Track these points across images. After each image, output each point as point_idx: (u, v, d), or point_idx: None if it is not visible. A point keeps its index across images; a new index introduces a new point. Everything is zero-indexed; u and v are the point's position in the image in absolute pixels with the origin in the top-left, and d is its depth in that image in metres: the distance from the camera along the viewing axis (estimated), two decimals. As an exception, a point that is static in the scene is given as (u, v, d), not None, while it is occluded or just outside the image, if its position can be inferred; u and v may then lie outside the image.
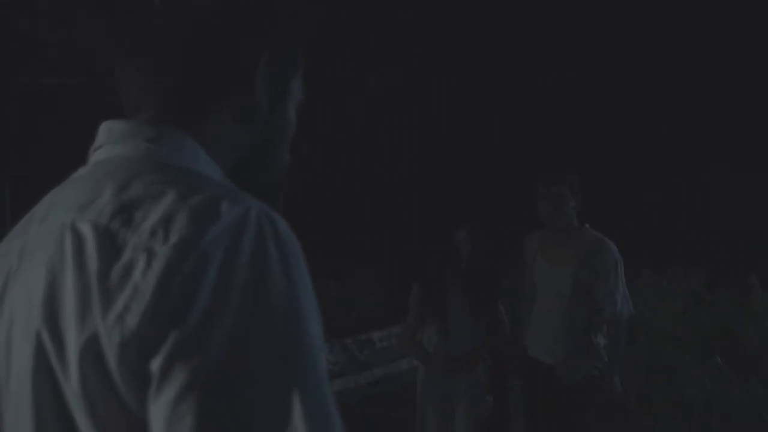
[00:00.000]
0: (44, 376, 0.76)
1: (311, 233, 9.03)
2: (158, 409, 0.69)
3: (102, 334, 0.72)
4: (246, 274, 0.72)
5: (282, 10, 0.98)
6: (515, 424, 4.79)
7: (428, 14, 9.59)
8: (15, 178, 7.24)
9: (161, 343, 0.70)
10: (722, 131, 9.42)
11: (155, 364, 0.70)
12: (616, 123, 9.78)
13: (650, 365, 6.31)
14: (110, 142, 0.90)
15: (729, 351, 6.60)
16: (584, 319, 3.82)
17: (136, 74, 0.92)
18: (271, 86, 0.96)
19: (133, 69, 0.92)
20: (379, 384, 5.68)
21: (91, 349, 0.72)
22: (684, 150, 9.55)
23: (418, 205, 9.76)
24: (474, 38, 9.83)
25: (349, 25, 9.18)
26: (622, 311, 3.86)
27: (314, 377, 0.72)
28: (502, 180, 9.64)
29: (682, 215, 9.79)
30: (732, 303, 7.57)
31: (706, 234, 9.24)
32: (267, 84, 0.95)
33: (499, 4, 9.71)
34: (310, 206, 9.14)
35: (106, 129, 0.91)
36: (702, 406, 5.61)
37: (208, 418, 0.68)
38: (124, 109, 0.94)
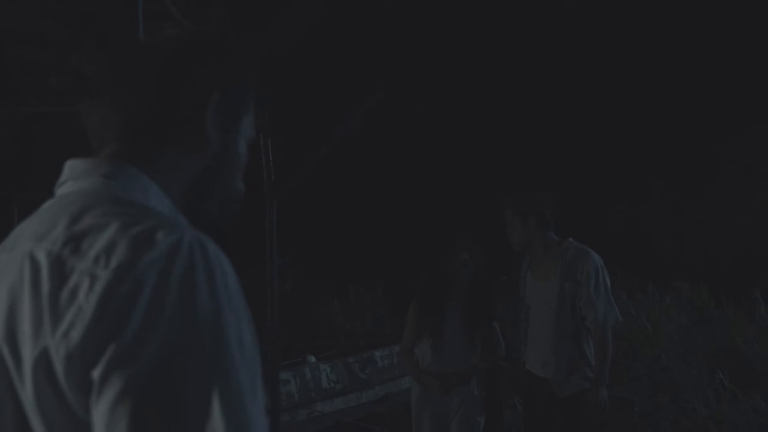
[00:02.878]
0: (5, 387, 0.86)
1: (317, 252, 9.07)
2: (99, 414, 0.78)
3: (51, 348, 0.82)
4: (176, 295, 0.81)
5: (233, 53, 1.09)
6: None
7: (423, 24, 9.66)
8: (22, 201, 7.35)
9: (101, 355, 0.79)
10: (722, 142, 9.42)
11: (96, 374, 0.79)
12: (617, 136, 9.79)
13: (655, 381, 6.30)
14: (72, 178, 1.01)
15: (733, 367, 6.59)
16: (572, 331, 3.85)
17: (99, 114, 1.03)
18: (222, 123, 1.06)
19: (96, 109, 1.03)
20: (380, 402, 5.71)
21: (43, 362, 0.82)
22: (685, 162, 9.55)
23: (421, 221, 9.79)
24: (472, 47, 9.87)
25: (345, 34, 9.28)
26: (605, 318, 3.83)
27: (236, 390, 0.81)
28: (501, 191, 9.66)
29: (685, 230, 9.77)
30: (736, 319, 7.56)
31: (710, 249, 9.22)
32: (218, 121, 1.05)
33: (496, 14, 9.77)
34: (314, 227, 9.18)
35: (69, 166, 1.02)
36: (705, 421, 5.60)
37: (140, 421, 0.77)
38: (92, 147, 1.05)
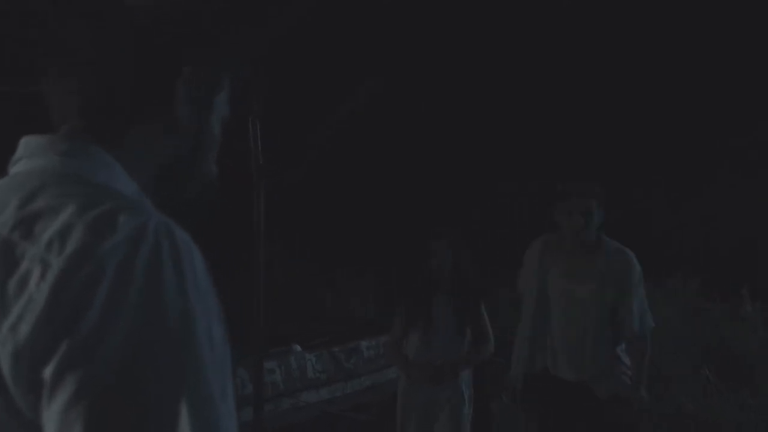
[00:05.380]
0: None
1: (305, 241, 9.02)
2: (50, 417, 0.71)
3: None
4: (140, 285, 0.74)
5: (205, 27, 1.00)
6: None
7: (414, 21, 9.60)
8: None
9: (53, 352, 0.71)
10: (716, 138, 9.42)
11: (47, 373, 0.71)
12: (609, 129, 9.77)
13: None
14: (26, 155, 0.91)
15: (721, 362, 6.60)
16: (610, 335, 3.67)
17: (62, 89, 0.93)
18: (192, 100, 0.97)
19: (58, 84, 0.94)
20: (366, 392, 5.69)
21: None
22: (678, 158, 9.54)
23: (408, 211, 9.75)
24: (456, 43, 9.82)
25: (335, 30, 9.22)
26: (647, 325, 3.71)
27: (205, 389, 0.74)
28: (492, 184, 9.67)
29: (676, 224, 9.78)
30: (725, 314, 7.59)
31: (701, 244, 9.24)
32: (188, 98, 0.96)
33: (497, 7, 9.71)
34: (305, 214, 9.13)
35: (24, 143, 0.93)
36: (693, 416, 5.61)
37: (95, 427, 0.69)
38: (52, 123, 0.95)
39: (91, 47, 0.91)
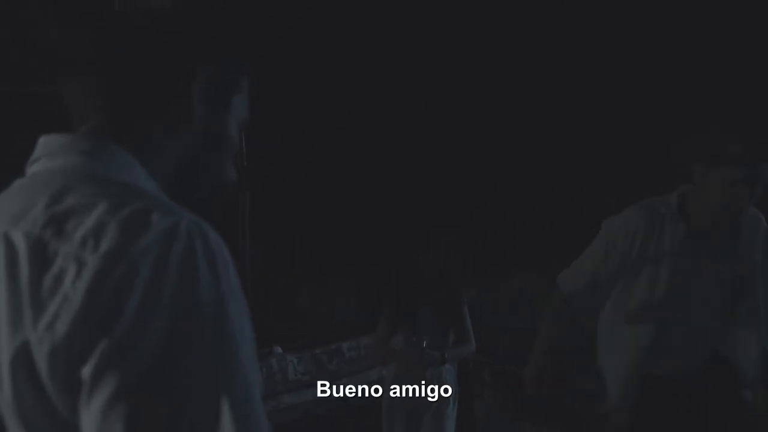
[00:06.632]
0: None
1: (286, 241, 9.02)
2: (89, 417, 0.71)
3: (33, 343, 0.73)
4: (174, 285, 0.74)
5: (223, 28, 1.00)
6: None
7: (415, 21, 9.60)
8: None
9: (90, 351, 0.71)
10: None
11: (85, 372, 0.71)
12: (609, 129, 9.71)
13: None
14: (46, 155, 0.91)
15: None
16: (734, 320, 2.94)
17: (77, 90, 0.94)
18: (210, 101, 0.97)
19: (74, 86, 0.94)
20: (348, 394, 5.70)
21: (22, 358, 0.74)
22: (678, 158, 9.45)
23: (408, 212, 9.73)
24: (456, 43, 9.80)
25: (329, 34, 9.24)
26: None
27: (242, 385, 0.74)
28: (492, 184, 9.64)
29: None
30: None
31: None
32: (206, 98, 0.96)
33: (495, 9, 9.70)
34: (286, 214, 9.14)
35: (43, 142, 0.93)
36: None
37: (137, 426, 0.69)
38: (71, 123, 0.96)
39: (91, 47, 0.92)
